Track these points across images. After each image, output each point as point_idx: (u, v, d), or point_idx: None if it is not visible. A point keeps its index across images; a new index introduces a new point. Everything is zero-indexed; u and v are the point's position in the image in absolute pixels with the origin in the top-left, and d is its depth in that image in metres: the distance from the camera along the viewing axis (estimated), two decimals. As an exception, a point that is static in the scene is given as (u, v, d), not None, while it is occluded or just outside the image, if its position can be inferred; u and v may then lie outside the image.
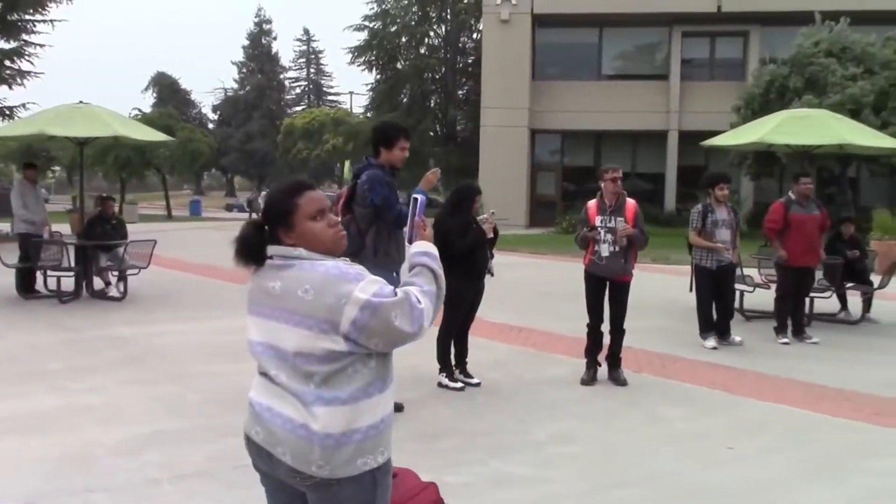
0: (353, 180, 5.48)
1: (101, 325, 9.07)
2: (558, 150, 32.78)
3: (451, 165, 37.38)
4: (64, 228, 14.75)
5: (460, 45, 44.83)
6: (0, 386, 6.34)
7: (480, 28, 42.21)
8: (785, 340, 8.91)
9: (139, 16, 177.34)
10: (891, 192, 28.30)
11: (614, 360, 6.91)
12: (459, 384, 6.55)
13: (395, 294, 2.24)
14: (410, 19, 43.93)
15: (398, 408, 5.33)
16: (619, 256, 6.69)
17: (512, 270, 13.42)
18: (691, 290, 8.86)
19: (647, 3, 29.16)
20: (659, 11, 29.17)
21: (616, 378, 6.85)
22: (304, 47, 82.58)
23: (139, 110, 46.94)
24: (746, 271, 10.44)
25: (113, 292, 10.95)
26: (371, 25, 44.71)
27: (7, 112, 26.73)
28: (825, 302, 10.33)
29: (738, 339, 8.74)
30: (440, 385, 6.53)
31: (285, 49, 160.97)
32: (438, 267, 2.44)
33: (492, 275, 6.77)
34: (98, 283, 11.16)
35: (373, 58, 45.04)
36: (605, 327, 6.89)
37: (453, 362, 6.67)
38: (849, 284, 10.55)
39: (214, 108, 77.61)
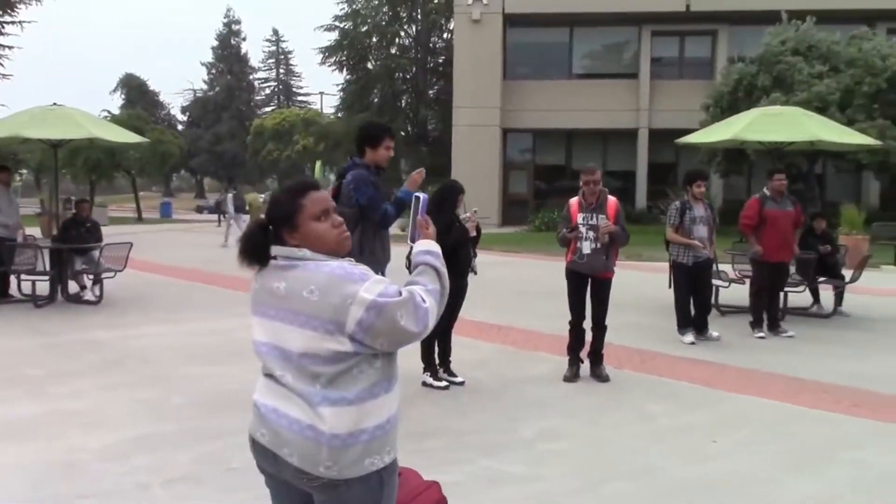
0: (338, 180, 5.48)
1: (78, 329, 8.97)
2: (530, 148, 32.92)
3: (422, 165, 37.33)
4: (34, 231, 14.60)
5: (431, 44, 44.90)
6: (-21, 392, 6.26)
7: (451, 28, 42.32)
8: (761, 335, 9.03)
9: (107, 17, 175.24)
10: (856, 188, 28.77)
11: (597, 357, 6.96)
12: (444, 383, 6.57)
13: (400, 294, 2.25)
14: (381, 19, 43.91)
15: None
16: (600, 253, 6.74)
17: (488, 269, 13.44)
18: (670, 286, 8.95)
19: (617, 3, 29.38)
20: (628, 11, 29.41)
21: (599, 375, 6.90)
22: (274, 48, 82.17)
23: (108, 112, 46.48)
24: (721, 267, 10.56)
25: (88, 296, 10.85)
26: (342, 26, 44.64)
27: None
28: (797, 296, 10.49)
29: (715, 334, 8.84)
30: (425, 384, 6.55)
31: (255, 50, 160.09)
32: (442, 265, 2.46)
33: (475, 273, 6.81)
34: (73, 286, 11.05)
35: (343, 58, 44.97)
36: (587, 324, 6.95)
37: (437, 361, 6.69)
38: (821, 279, 10.72)
39: (183, 110, 77.06)
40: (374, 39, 44.54)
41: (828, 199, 25.99)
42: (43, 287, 10.74)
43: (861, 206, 21.54)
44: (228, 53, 76.29)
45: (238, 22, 77.85)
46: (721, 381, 6.94)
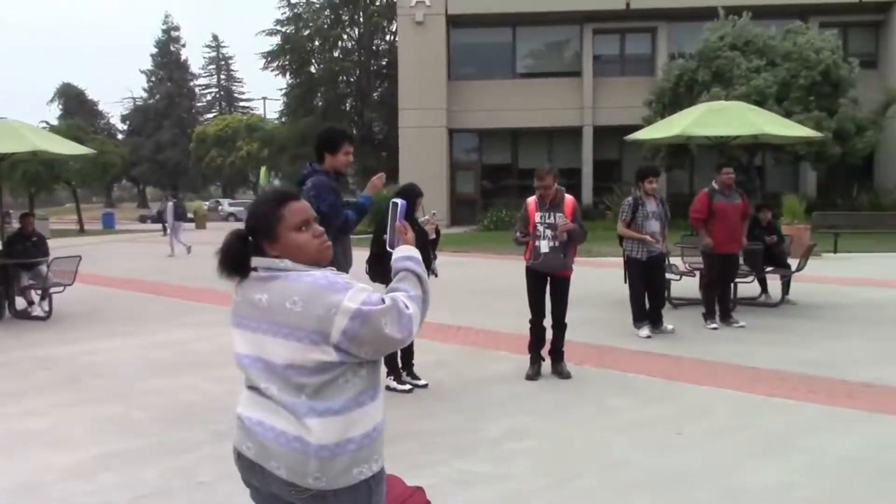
0: (298, 187, 5.44)
1: (28, 346, 8.78)
2: (476, 148, 33.04)
3: (368, 168, 37.34)
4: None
5: (374, 47, 44.77)
6: (-70, 415, 6.09)
7: (394, 30, 42.30)
8: (714, 326, 9.22)
9: (41, 25, 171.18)
10: (794, 179, 29.47)
11: (557, 355, 7.04)
12: (407, 386, 6.58)
13: (383, 301, 2.25)
14: (323, 23, 43.63)
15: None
16: (558, 252, 6.81)
17: (441, 270, 13.46)
18: (625, 281, 9.07)
19: (559, 2, 29.67)
20: (570, 10, 29.71)
21: (560, 372, 6.98)
22: (214, 53, 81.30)
23: (46, 123, 45.44)
24: (671, 260, 10.73)
25: (37, 311, 10.61)
26: (284, 30, 44.25)
27: None
28: (746, 286, 10.71)
29: (669, 326, 8.99)
30: (388, 388, 6.53)
31: (195, 56, 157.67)
32: (423, 271, 2.46)
33: (436, 275, 6.82)
34: (21, 302, 10.80)
35: (286, 62, 44.58)
36: (547, 322, 7.02)
37: (400, 365, 6.69)
38: (768, 268, 10.97)
39: (123, 118, 75.89)
40: (317, 43, 44.24)
41: (768, 190, 26.55)
42: (-12, 304, 10.48)
43: (799, 196, 22.11)
44: (168, 60, 75.22)
45: (177, 28, 76.88)
46: (679, 373, 7.07)
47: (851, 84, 24.29)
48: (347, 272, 5.47)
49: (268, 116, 67.18)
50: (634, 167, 29.11)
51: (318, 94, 45.14)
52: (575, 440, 5.27)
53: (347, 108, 45.62)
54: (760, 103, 21.25)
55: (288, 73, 45.61)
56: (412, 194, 6.57)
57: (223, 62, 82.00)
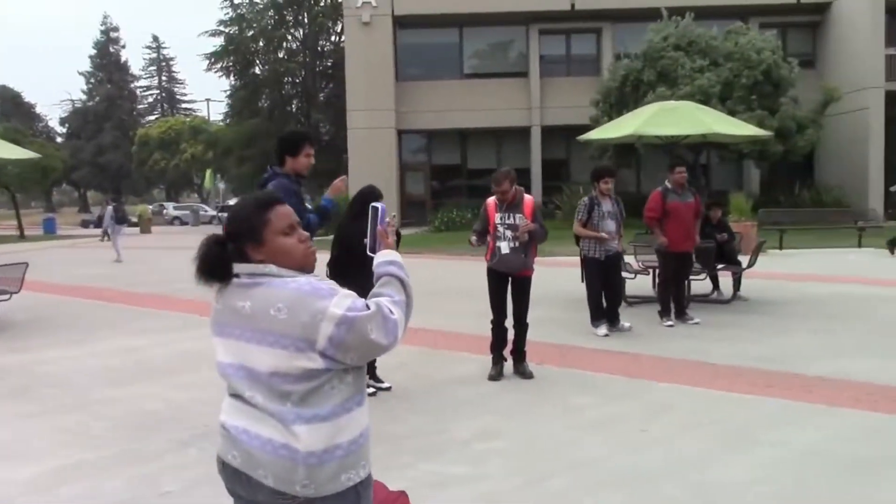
0: (258, 190, 5.37)
1: (-25, 357, 8.52)
2: (425, 149, 33.06)
3: (316, 170, 36.98)
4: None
5: (319, 48, 44.46)
6: None
7: (339, 31, 42.06)
8: (669, 323, 9.34)
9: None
10: (738, 177, 30.07)
11: (519, 354, 7.06)
12: (371, 389, 6.54)
13: (368, 307, 2.23)
14: (267, 24, 43.16)
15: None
16: (519, 252, 6.84)
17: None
18: (583, 280, 9.14)
19: (504, 3, 29.82)
20: (515, 10, 29.88)
21: (522, 371, 7.00)
22: (155, 55, 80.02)
23: (-20, 127, 44.13)
24: (625, 259, 10.85)
25: (-18, 321, 10.31)
26: (227, 31, 43.67)
27: None
28: (698, 283, 10.88)
29: (626, 324, 9.09)
30: (352, 392, 6.49)
31: (135, 57, 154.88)
32: (406, 275, 2.44)
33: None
34: (-36, 312, 10.49)
35: (230, 63, 44.01)
36: (508, 322, 7.04)
37: (363, 368, 6.64)
38: (720, 266, 11.17)
39: (62, 121, 74.29)
40: (261, 44, 43.76)
41: (713, 188, 27.05)
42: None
43: (744, 193, 22.57)
44: (107, 62, 73.90)
45: (116, 29, 75.61)
46: (639, 371, 7.15)
47: (791, 83, 24.86)
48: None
49: (212, 118, 66.36)
50: (583, 167, 29.60)
51: (263, 96, 44.66)
52: (543, 439, 5.29)
53: (293, 110, 45.24)
54: (705, 103, 21.57)
55: (232, 75, 45.07)
56: (372, 196, 6.53)
57: (164, 63, 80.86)
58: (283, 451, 2.17)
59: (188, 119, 67.10)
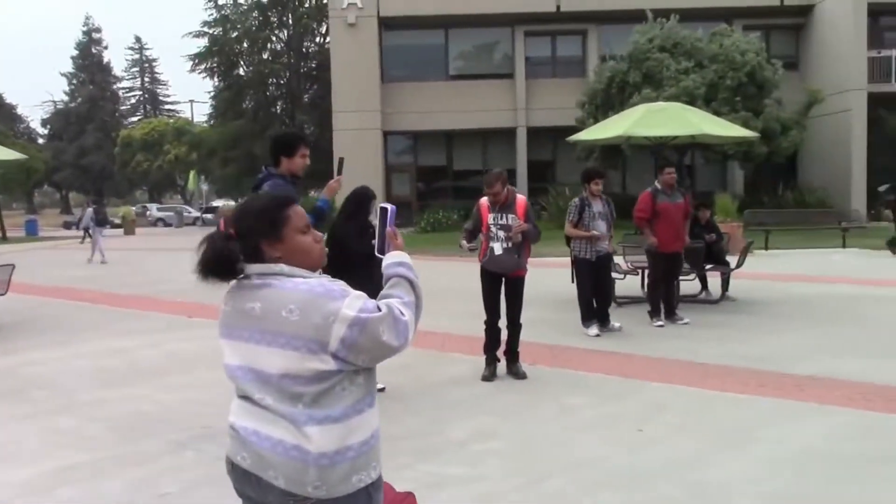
0: (254, 192, 5.35)
1: (-38, 360, 8.43)
2: (411, 150, 33.03)
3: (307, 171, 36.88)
4: None
5: (304, 49, 44.33)
6: None
7: (323, 32, 41.97)
8: (660, 323, 9.38)
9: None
10: (722, 178, 30.22)
11: (513, 355, 7.07)
12: (365, 391, 6.51)
13: (379, 308, 2.22)
14: (251, 25, 43.00)
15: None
16: (512, 252, 6.85)
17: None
18: (573, 281, 9.15)
19: (490, 4, 29.83)
20: (501, 12, 29.90)
21: (515, 372, 7.01)
22: (137, 56, 79.57)
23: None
24: (614, 260, 10.89)
25: (-32, 323, 10.21)
26: (211, 32, 43.47)
27: None
28: (686, 283, 10.92)
29: (617, 325, 9.13)
30: (346, 393, 6.47)
31: (117, 58, 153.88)
32: (416, 276, 2.43)
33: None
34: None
35: (214, 64, 43.81)
36: (502, 323, 7.04)
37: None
38: (708, 266, 11.22)
39: (44, 123, 73.74)
40: (245, 45, 43.59)
41: (698, 189, 27.17)
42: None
43: (728, 194, 22.70)
44: (90, 63, 73.41)
45: (98, 30, 75.20)
46: (631, 371, 7.17)
47: (775, 85, 25.00)
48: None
49: (196, 120, 66.09)
50: (569, 168, 29.70)
51: (248, 97, 44.47)
52: (539, 440, 5.29)
53: (278, 111, 45.08)
54: (690, 104, 21.52)
55: (216, 76, 44.87)
56: (366, 197, 6.53)
57: (147, 64, 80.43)
58: (295, 453, 2.16)
59: (171, 120, 66.80)
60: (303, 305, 2.15)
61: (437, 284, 13.72)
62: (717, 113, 22.11)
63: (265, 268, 2.24)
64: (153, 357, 8.27)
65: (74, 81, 73.62)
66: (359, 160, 29.10)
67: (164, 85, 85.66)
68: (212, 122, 49.77)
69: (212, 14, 43.64)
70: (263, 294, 2.21)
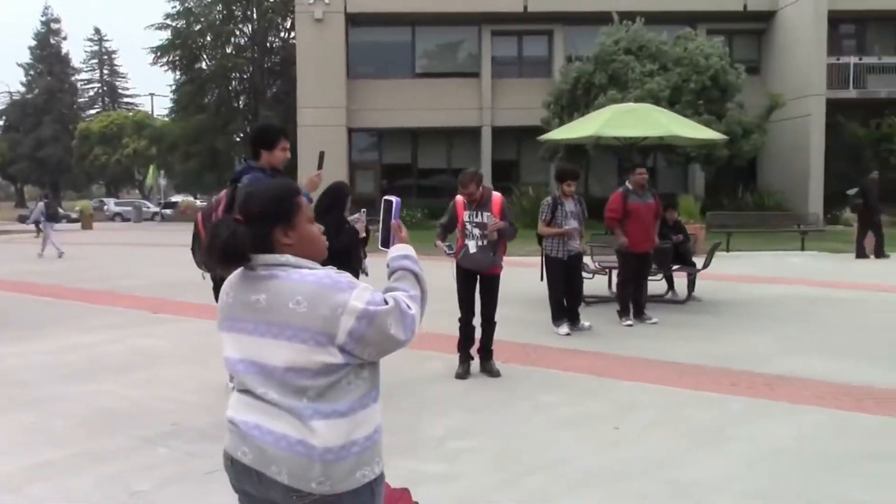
0: (233, 184, 5.28)
1: (-81, 355, 8.21)
2: (376, 148, 32.90)
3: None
4: None
5: (268, 44, 43.97)
6: None
7: (288, 27, 41.66)
8: (629, 323, 9.43)
9: None
10: (683, 180, 30.53)
11: (487, 353, 7.06)
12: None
13: (386, 301, 2.19)
14: (215, 18, 42.56)
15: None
16: (487, 250, 6.84)
17: (371, 269, 13.35)
18: (542, 279, 9.17)
19: (457, 3, 29.81)
20: (468, 11, 29.89)
21: (489, 370, 7.00)
22: (96, 47, 78.28)
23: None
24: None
25: (-76, 317, 9.95)
26: (174, 24, 42.93)
27: None
28: (652, 284, 10.99)
29: (587, 324, 9.16)
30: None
31: (76, 50, 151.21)
32: (420, 269, 2.41)
33: (366, 275, 6.73)
34: None
35: (176, 58, 43.26)
36: (476, 320, 7.03)
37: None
38: (675, 267, 11.32)
39: (0, 113, 72.09)
40: (209, 39, 43.13)
41: (660, 190, 27.36)
42: None
43: (690, 196, 22.96)
44: (48, 53, 71.99)
45: (58, 21, 73.73)
46: (604, 370, 7.19)
47: (738, 89, 25.31)
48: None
49: (156, 113, 65.25)
50: (533, 168, 29.79)
51: (211, 92, 43.99)
52: (516, 437, 5.29)
53: (241, 106, 44.68)
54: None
55: (178, 69, 44.34)
56: (342, 192, 6.47)
57: (106, 56, 79.20)
58: (299, 448, 2.12)
59: (131, 114, 65.83)
60: (310, 297, 2.11)
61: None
62: (681, 115, 22.34)
63: (271, 258, 2.20)
64: (114, 353, 8.13)
65: (32, 72, 72.16)
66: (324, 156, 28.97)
67: (124, 77, 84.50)
68: (173, 115, 49.17)
69: (175, 6, 43.17)
70: (269, 285, 2.17)
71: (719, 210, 24.56)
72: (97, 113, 71.26)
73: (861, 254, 17.13)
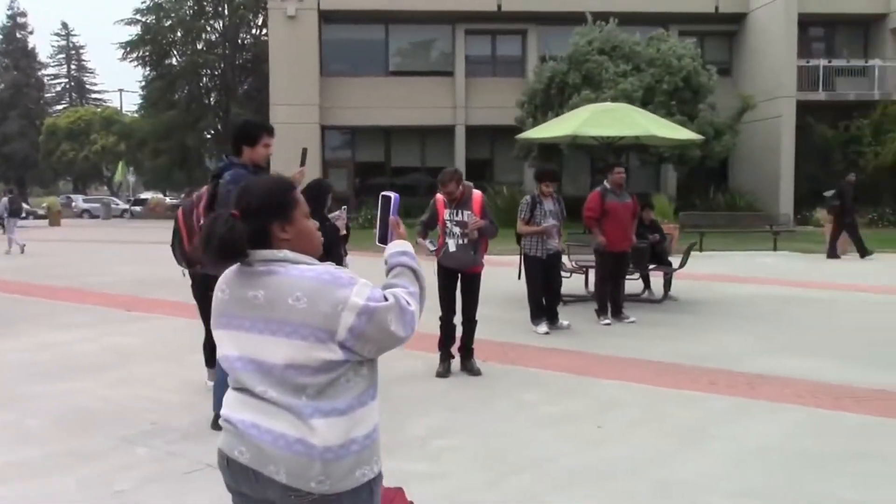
0: (214, 180, 5.20)
1: None
2: (349, 146, 32.76)
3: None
4: None
5: (239, 41, 43.62)
6: None
7: (260, 24, 41.35)
8: (607, 321, 9.45)
9: None
10: (655, 180, 30.72)
11: (467, 352, 7.03)
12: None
13: (386, 298, 2.16)
14: (186, 14, 42.14)
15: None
16: (468, 248, 6.82)
17: (351, 267, 13.26)
18: (520, 278, 9.16)
19: (431, 2, 29.71)
20: (442, 9, 29.83)
21: (470, 369, 6.97)
22: (64, 42, 77.18)
23: None
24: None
25: None
26: (144, 19, 42.43)
27: None
28: (629, 283, 11.02)
29: (565, 323, 9.16)
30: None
31: (43, 44, 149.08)
32: (419, 266, 2.39)
33: (346, 273, 6.67)
34: None
35: (146, 53, 42.77)
36: (457, 319, 7.01)
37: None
38: (651, 266, 11.37)
39: (-36, 109, 70.80)
40: (179, 34, 42.69)
41: (633, 190, 27.49)
42: None
43: (663, 196, 23.10)
44: (14, 48, 70.86)
45: (24, 14, 72.58)
46: (584, 368, 7.20)
47: (710, 90, 25.52)
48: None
49: (125, 109, 64.50)
50: (507, 167, 29.81)
51: (182, 88, 43.54)
52: (499, 436, 5.26)
53: (212, 103, 44.29)
54: (628, 106, 22.06)
55: (148, 65, 43.86)
56: (323, 189, 6.41)
57: (74, 51, 78.09)
58: (299, 447, 2.08)
59: (99, 109, 65.01)
60: (310, 293, 2.08)
61: (382, 280, 13.63)
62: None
63: (269, 254, 2.16)
64: (87, 351, 8.00)
65: (-3, 67, 71.15)
66: (295, 154, 28.64)
67: (92, 73, 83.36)
68: (142, 112, 48.62)
69: (145, 1, 42.63)
70: (267, 281, 2.13)
71: (691, 210, 24.75)
72: (64, 108, 70.28)
73: (832, 254, 17.32)
